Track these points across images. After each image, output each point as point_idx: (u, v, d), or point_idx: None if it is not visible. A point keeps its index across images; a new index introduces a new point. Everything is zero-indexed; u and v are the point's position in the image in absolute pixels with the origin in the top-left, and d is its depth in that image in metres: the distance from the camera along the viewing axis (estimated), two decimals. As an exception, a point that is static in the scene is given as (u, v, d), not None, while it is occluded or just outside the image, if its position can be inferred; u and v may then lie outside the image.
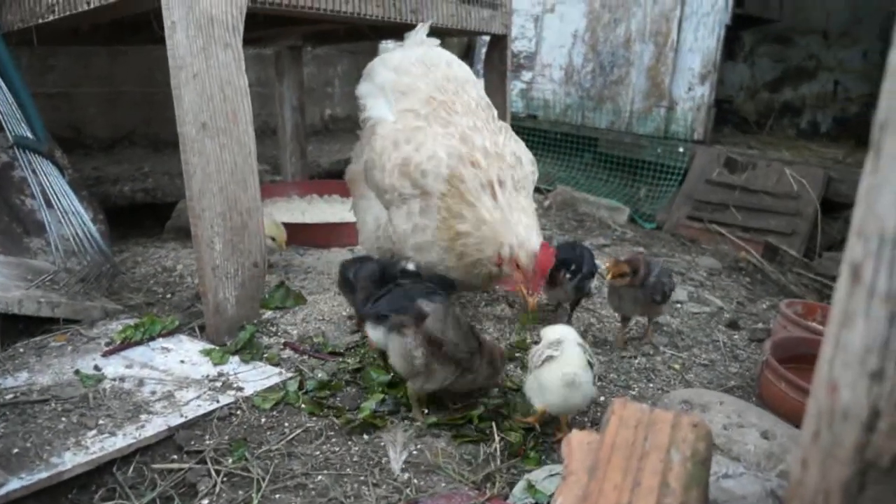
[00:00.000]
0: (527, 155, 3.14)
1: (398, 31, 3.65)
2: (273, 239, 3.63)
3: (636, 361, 3.01)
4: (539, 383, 2.25)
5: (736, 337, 3.46)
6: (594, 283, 3.30)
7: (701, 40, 6.66)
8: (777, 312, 3.36)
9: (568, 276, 3.10)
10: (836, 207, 5.80)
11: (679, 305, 3.77)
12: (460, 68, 3.36)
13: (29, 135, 3.47)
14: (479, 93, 3.31)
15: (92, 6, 3.04)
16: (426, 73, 3.20)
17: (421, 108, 3.08)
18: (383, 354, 2.57)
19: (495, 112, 3.29)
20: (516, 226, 2.77)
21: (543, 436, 2.34)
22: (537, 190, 6.67)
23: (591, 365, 2.25)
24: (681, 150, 6.61)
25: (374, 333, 2.49)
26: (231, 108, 2.90)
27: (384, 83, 3.22)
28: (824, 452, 0.98)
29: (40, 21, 3.40)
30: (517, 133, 3.28)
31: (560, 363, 2.21)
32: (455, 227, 2.84)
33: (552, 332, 2.36)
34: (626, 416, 1.51)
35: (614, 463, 1.41)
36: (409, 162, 2.90)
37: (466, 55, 7.96)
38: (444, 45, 3.58)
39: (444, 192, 2.86)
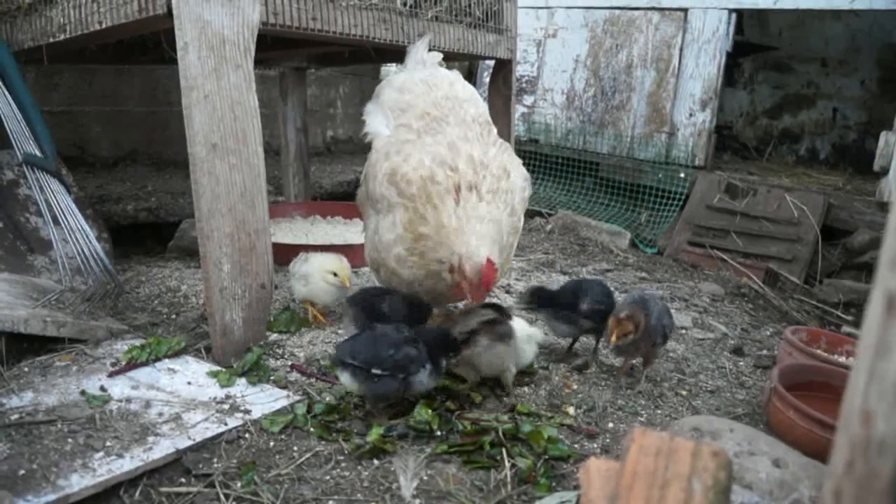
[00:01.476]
0: (518, 170, 3.15)
1: (402, 54, 3.68)
2: (335, 274, 3.29)
3: (643, 387, 3.00)
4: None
5: (741, 364, 3.45)
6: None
7: (702, 67, 6.71)
8: (782, 339, 3.36)
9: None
10: (837, 234, 5.81)
11: (684, 331, 3.76)
12: (463, 88, 3.40)
13: (37, 152, 3.47)
14: (479, 111, 3.32)
15: (104, 26, 3.06)
16: (427, 92, 3.26)
17: (415, 122, 3.14)
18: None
19: (494, 130, 3.31)
20: (469, 235, 2.76)
21: (553, 460, 2.33)
22: (538, 214, 6.72)
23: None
24: (682, 175, 6.63)
25: (343, 377, 2.50)
26: (241, 128, 2.90)
27: (386, 101, 3.32)
28: (859, 484, 0.97)
29: (51, 40, 3.41)
30: (518, 157, 3.28)
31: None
32: (418, 229, 2.87)
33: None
34: (647, 444, 1.50)
35: (636, 492, 1.40)
36: (397, 171, 2.95)
37: (467, 80, 7.99)
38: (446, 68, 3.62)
39: (414, 194, 2.89)
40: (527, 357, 2.90)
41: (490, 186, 2.91)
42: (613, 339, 2.90)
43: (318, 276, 3.26)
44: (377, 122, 3.31)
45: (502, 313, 2.76)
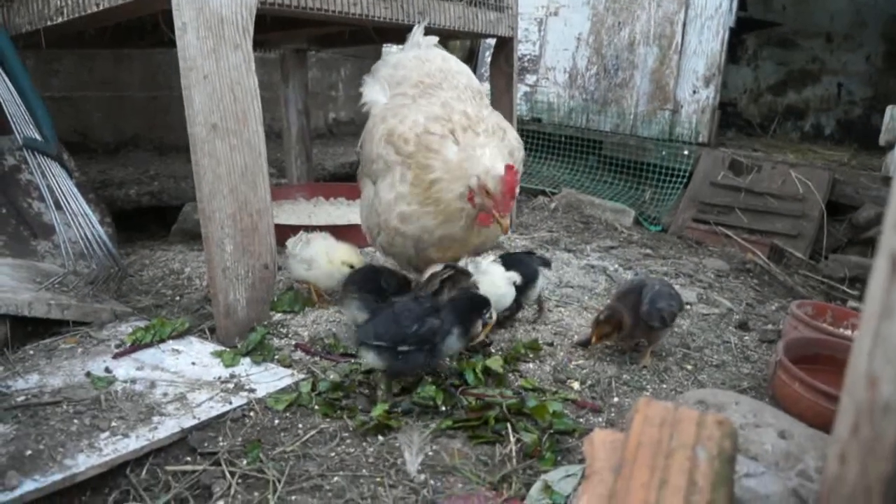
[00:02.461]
0: (512, 132, 3.23)
1: (403, 34, 3.67)
2: (352, 266, 3.26)
3: (648, 362, 2.99)
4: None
5: (746, 338, 3.45)
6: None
7: (705, 43, 6.65)
8: (787, 313, 3.35)
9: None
10: (842, 210, 5.78)
11: (689, 307, 3.75)
12: (456, 64, 3.53)
13: (37, 136, 3.46)
14: (470, 82, 3.43)
15: (101, 7, 3.04)
16: (420, 66, 3.38)
17: (410, 90, 3.25)
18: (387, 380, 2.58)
19: (486, 100, 3.43)
20: (481, 158, 2.81)
21: (558, 434, 2.33)
22: (542, 192, 6.70)
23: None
24: (685, 152, 6.59)
25: (369, 357, 2.48)
26: (241, 109, 2.89)
27: (382, 76, 3.44)
28: (865, 447, 0.97)
29: (48, 23, 3.39)
30: (520, 136, 3.32)
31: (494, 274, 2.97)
32: (426, 178, 2.90)
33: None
34: (651, 414, 1.49)
35: (640, 461, 1.40)
36: (394, 132, 3.02)
37: (469, 60, 7.95)
38: (447, 48, 3.68)
39: (412, 151, 2.95)
40: (507, 300, 3.04)
41: (486, 129, 3.01)
42: (594, 341, 2.93)
43: (323, 261, 3.24)
44: (375, 91, 3.43)
45: (459, 270, 2.92)
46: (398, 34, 4.41)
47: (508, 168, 2.73)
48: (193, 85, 2.74)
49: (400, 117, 3.07)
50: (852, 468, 0.99)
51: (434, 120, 2.97)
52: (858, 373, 0.99)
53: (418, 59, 3.43)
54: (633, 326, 2.91)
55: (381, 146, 3.06)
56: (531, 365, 2.88)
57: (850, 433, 1.00)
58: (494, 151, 2.86)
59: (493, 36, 4.63)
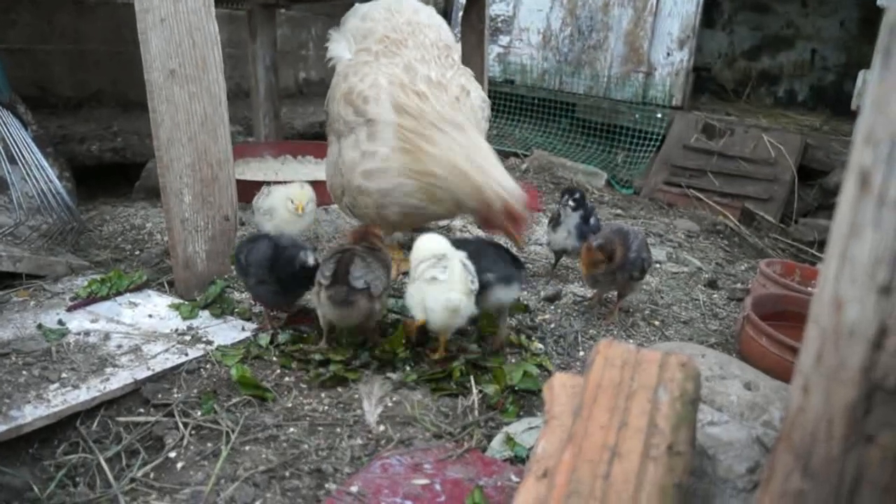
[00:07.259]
0: (477, 91, 3.14)
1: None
2: (292, 202, 3.20)
3: (616, 317, 2.96)
4: (425, 303, 2.25)
5: (715, 296, 3.43)
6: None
7: (680, 5, 6.58)
8: (756, 272, 3.33)
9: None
10: (813, 174, 5.78)
11: (658, 265, 3.73)
12: (428, 17, 3.41)
13: (-13, 83, 3.32)
14: (440, 36, 3.32)
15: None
16: (388, 18, 3.28)
17: (374, 46, 3.16)
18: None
19: (455, 56, 3.32)
20: (500, 177, 2.67)
21: (523, 393, 2.29)
22: (514, 154, 6.63)
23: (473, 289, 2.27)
24: (659, 115, 6.55)
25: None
26: (201, 55, 2.79)
27: (349, 28, 3.36)
28: (828, 375, 0.93)
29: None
30: (493, 98, 3.22)
31: (445, 287, 2.21)
32: (424, 163, 2.78)
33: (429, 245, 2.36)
34: (612, 355, 1.45)
35: (600, 403, 1.36)
36: (353, 90, 2.97)
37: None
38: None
39: (401, 124, 2.83)
40: (437, 322, 2.30)
41: (451, 97, 2.92)
42: (584, 270, 2.79)
43: (282, 208, 3.18)
44: (340, 47, 3.34)
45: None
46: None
47: (529, 192, 2.62)
48: (150, 28, 2.63)
49: (360, 76, 3.00)
50: (815, 398, 0.95)
51: (401, 87, 2.87)
52: (824, 297, 0.95)
53: (388, 11, 3.31)
54: (620, 266, 2.77)
55: (340, 105, 3.01)
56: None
57: (814, 362, 0.95)
58: (499, 165, 2.73)
59: (464, -10, 4.53)
